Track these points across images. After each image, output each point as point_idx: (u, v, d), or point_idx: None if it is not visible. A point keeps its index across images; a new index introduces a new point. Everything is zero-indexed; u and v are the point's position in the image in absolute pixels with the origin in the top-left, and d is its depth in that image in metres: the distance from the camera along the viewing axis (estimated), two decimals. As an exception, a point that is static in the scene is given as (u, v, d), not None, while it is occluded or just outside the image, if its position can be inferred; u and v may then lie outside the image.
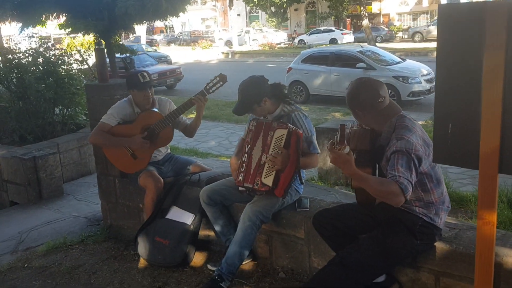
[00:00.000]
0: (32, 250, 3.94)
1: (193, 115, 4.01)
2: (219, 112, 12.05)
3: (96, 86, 4.17)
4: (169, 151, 4.13)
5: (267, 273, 3.25)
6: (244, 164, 3.07)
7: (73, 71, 7.04)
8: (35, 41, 7.31)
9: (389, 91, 12.27)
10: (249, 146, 3.09)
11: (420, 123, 10.13)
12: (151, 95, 3.75)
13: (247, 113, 3.30)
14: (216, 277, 3.01)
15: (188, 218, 3.52)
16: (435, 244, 2.53)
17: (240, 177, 3.06)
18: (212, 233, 3.56)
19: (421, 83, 12.23)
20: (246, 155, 3.09)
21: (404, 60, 13.69)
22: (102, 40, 15.66)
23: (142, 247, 3.55)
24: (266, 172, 2.95)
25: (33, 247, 4.01)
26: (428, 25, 33.44)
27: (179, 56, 29.66)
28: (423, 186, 2.45)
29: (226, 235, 3.34)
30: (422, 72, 12.55)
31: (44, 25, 17.28)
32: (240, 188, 3.09)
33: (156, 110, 3.79)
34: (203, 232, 3.61)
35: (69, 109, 6.91)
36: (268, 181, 2.93)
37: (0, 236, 4.32)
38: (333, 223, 2.78)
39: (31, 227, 4.47)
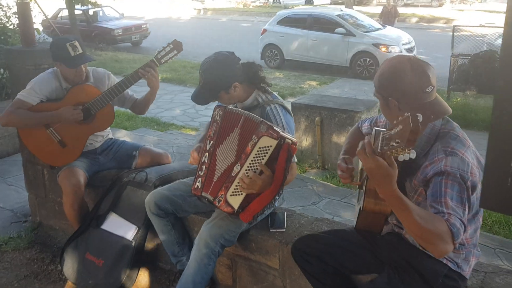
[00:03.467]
0: None
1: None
2: (187, 76, 11.08)
3: (18, 51, 3.26)
4: (110, 135, 3.31)
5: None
6: (203, 167, 2.30)
7: (13, 26, 5.96)
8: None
9: (368, 59, 11.61)
10: (211, 142, 2.30)
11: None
12: (84, 70, 2.93)
13: (211, 102, 2.51)
14: None
15: (129, 231, 2.75)
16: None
17: (197, 183, 2.31)
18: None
19: (401, 52, 11.53)
20: (207, 154, 2.31)
21: (384, 26, 12.91)
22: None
23: (70, 267, 2.77)
24: (234, 189, 2.18)
25: None
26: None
27: (147, 9, 27.97)
28: None
29: (178, 256, 2.61)
30: (402, 40, 11.84)
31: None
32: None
33: (91, 84, 2.98)
34: (150, 244, 2.85)
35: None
36: (234, 201, 2.17)
37: None
38: (320, 257, 2.04)
39: None
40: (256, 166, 2.11)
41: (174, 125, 7.29)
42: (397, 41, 11.72)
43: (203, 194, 2.28)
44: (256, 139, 2.12)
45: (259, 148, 2.11)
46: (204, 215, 2.59)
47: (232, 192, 2.17)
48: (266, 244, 2.37)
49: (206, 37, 17.31)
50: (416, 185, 1.70)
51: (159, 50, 2.89)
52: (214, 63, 2.37)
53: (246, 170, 2.12)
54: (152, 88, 2.96)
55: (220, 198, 2.19)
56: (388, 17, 14.77)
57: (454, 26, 9.28)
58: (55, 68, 2.96)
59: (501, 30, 10.36)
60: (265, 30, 12.89)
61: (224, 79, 2.35)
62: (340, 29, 11.81)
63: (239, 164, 2.16)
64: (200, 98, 2.41)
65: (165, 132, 6.68)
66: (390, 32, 12.46)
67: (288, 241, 2.30)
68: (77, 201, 2.85)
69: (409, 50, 11.78)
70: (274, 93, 2.50)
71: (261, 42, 12.82)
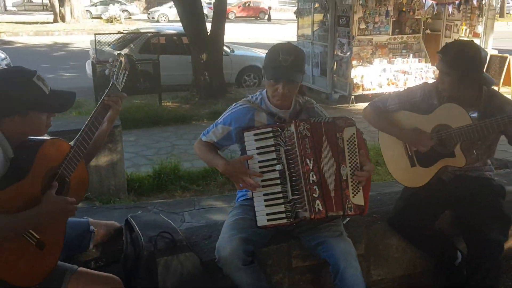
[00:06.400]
0: None
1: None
2: None
3: None
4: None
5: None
6: (315, 187, 2.15)
7: None
8: None
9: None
10: (312, 160, 2.17)
11: None
12: None
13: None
14: None
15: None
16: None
17: (316, 207, 2.14)
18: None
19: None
20: (313, 173, 2.15)
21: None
22: None
23: None
24: (353, 189, 2.21)
25: None
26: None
27: None
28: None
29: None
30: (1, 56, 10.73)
31: None
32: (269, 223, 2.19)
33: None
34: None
35: None
36: (359, 200, 2.22)
37: None
38: (413, 224, 2.53)
39: None
40: (355, 156, 2.23)
41: None
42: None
43: (329, 214, 2.16)
44: (341, 134, 2.23)
45: (347, 140, 2.24)
46: (273, 241, 2.36)
47: (353, 193, 2.21)
48: (351, 236, 2.45)
49: None
50: None
51: (113, 70, 2.17)
52: (297, 49, 2.31)
53: (350, 166, 2.22)
54: (111, 123, 2.20)
55: (350, 206, 2.19)
56: None
57: (95, 34, 9.38)
58: None
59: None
60: None
61: (303, 69, 2.30)
62: None
63: (343, 165, 2.21)
64: (294, 71, 2.22)
65: None
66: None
67: (369, 223, 2.53)
68: None
69: (8, 65, 10.79)
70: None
71: None
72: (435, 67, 10.09)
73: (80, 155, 1.93)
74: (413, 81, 9.71)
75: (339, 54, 9.48)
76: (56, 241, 1.86)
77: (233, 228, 2.23)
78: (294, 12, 11.24)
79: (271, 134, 2.22)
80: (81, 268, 1.90)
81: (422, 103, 2.59)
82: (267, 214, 2.20)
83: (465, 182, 2.58)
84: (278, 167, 2.20)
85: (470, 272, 2.42)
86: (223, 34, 9.67)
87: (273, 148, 2.22)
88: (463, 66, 2.36)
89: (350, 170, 2.21)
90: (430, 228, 2.55)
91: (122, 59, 2.20)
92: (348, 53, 9.25)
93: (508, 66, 9.83)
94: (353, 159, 2.22)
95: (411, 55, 10.16)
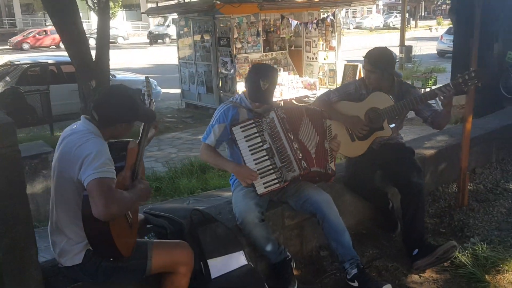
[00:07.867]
0: None
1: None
2: None
3: None
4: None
5: (310, 261, 3.22)
6: (298, 152, 2.91)
7: None
8: None
9: None
10: (292, 132, 2.92)
11: None
12: None
13: None
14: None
15: (239, 259, 2.69)
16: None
17: (303, 165, 2.89)
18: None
19: None
20: (295, 142, 2.91)
21: None
22: None
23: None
24: (330, 158, 3.04)
25: None
26: None
27: None
28: None
29: (280, 247, 2.94)
30: None
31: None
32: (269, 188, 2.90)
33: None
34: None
35: None
36: (333, 166, 3.08)
37: None
38: (362, 182, 3.43)
39: None
40: (331, 137, 3.12)
41: None
42: None
43: (312, 169, 2.93)
44: (325, 121, 3.11)
45: (328, 126, 3.12)
46: (271, 207, 3.05)
47: (330, 160, 3.05)
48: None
49: None
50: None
51: (148, 96, 2.70)
52: (274, 72, 3.02)
53: (329, 141, 3.06)
54: (150, 140, 2.70)
55: (329, 167, 3.01)
56: None
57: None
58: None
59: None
60: None
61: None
62: None
63: (325, 140, 3.05)
64: (269, 99, 2.95)
65: None
66: None
67: (331, 185, 3.35)
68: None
69: None
70: None
71: None
72: (302, 79, 11.66)
73: (142, 155, 2.41)
74: (287, 91, 11.08)
75: (223, 71, 10.40)
76: (136, 221, 2.33)
77: (244, 198, 2.87)
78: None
79: (253, 125, 2.93)
80: (156, 240, 2.39)
81: (355, 94, 3.51)
82: (263, 184, 2.90)
83: (388, 148, 3.57)
84: (265, 146, 2.92)
85: (404, 210, 3.38)
86: (108, 59, 9.88)
87: (257, 134, 2.92)
88: (383, 65, 3.34)
89: (329, 145, 3.04)
90: (371, 183, 3.49)
91: (147, 83, 2.71)
92: (232, 70, 10.22)
93: (359, 72, 11.74)
94: (330, 137, 3.08)
95: (282, 69, 11.55)
